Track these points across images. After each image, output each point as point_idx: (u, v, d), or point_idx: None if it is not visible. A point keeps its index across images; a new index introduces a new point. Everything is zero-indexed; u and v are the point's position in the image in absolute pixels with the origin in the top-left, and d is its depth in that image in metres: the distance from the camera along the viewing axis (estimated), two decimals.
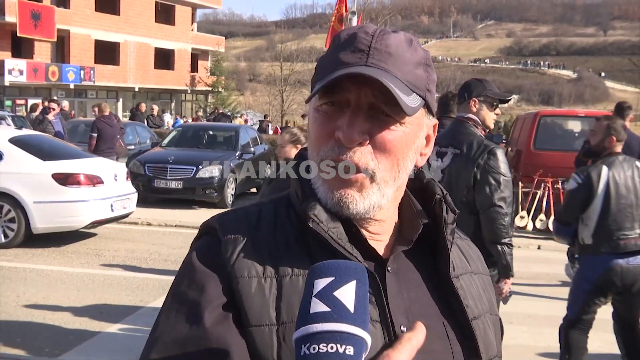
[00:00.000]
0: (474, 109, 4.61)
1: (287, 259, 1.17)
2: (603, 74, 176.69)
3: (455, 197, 4.22)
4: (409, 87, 1.18)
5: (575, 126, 14.53)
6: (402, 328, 1.16)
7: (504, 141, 15.31)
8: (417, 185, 1.34)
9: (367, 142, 1.17)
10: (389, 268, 1.21)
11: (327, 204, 1.20)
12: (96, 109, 14.87)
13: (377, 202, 1.20)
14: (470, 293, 1.30)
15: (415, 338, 1.01)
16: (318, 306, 0.92)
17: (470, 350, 1.24)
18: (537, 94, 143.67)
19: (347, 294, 0.93)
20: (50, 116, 14.88)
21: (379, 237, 1.26)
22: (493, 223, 4.33)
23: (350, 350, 0.90)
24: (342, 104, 1.18)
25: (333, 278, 0.94)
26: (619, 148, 5.23)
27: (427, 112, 1.26)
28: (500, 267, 4.39)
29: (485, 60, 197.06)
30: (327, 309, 0.91)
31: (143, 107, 25.72)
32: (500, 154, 4.43)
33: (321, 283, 0.94)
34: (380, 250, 1.24)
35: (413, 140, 1.23)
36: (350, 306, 0.92)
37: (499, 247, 4.35)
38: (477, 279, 1.37)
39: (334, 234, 1.17)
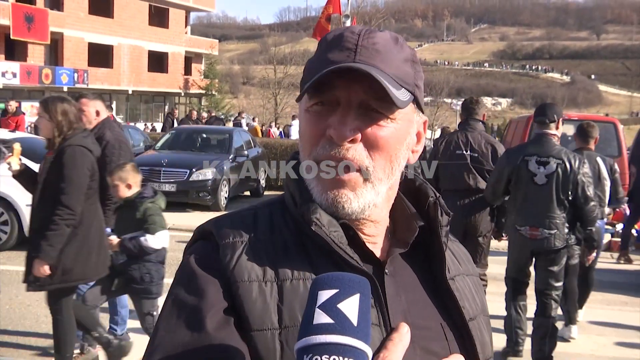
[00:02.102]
0: (559, 127, 5.91)
1: (287, 263, 1.17)
2: (593, 77, 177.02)
3: (561, 196, 5.75)
4: (398, 82, 1.18)
5: (568, 130, 14.50)
6: None
7: None
8: (409, 187, 1.35)
9: (359, 139, 1.17)
10: (386, 271, 1.21)
11: (322, 205, 1.20)
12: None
13: (372, 200, 1.21)
14: (465, 294, 1.31)
15: (404, 337, 1.00)
16: (321, 317, 0.92)
17: (468, 351, 1.24)
18: (530, 98, 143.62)
19: (350, 307, 0.93)
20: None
21: (375, 240, 1.26)
22: (590, 214, 5.78)
23: None
24: (333, 103, 1.18)
25: (337, 290, 0.94)
26: (589, 144, 7.03)
27: (416, 109, 1.27)
28: (590, 242, 6.27)
29: (485, 64, 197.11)
30: (331, 321, 0.91)
31: (195, 114, 25.19)
32: (587, 163, 5.90)
33: (325, 294, 0.94)
34: (377, 253, 1.24)
35: (404, 136, 1.23)
36: (354, 319, 0.92)
37: (593, 229, 6.00)
38: (469, 280, 1.37)
39: (335, 237, 1.17)
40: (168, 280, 1.81)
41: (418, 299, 1.24)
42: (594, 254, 6.56)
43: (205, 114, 26.18)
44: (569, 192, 5.71)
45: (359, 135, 1.17)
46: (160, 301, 4.79)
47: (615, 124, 13.89)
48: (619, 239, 12.14)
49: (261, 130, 28.34)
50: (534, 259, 6.01)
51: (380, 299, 1.17)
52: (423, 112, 1.30)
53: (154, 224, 5.16)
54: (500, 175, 6.06)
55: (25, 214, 9.84)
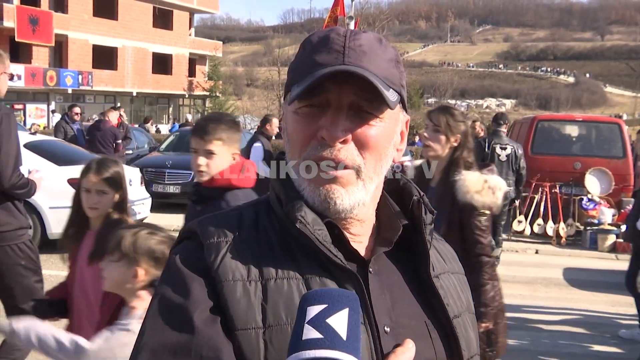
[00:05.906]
0: (506, 127, 10.42)
1: (271, 262, 1.18)
2: (588, 75, 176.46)
3: (513, 167, 10.26)
4: (386, 82, 1.20)
5: (572, 131, 14.53)
6: (385, 328, 1.17)
7: None
8: (393, 187, 1.36)
9: (350, 139, 1.19)
10: (370, 269, 1.22)
11: (315, 202, 1.21)
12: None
13: (362, 198, 1.22)
14: (449, 292, 1.32)
15: (408, 352, 1.02)
16: (310, 333, 0.93)
17: (452, 349, 1.26)
18: (534, 99, 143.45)
19: (339, 321, 0.94)
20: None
21: (360, 239, 1.27)
22: (523, 177, 10.55)
23: None
24: (322, 105, 1.20)
25: (326, 305, 0.95)
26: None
27: (401, 108, 1.28)
28: (519, 192, 11.07)
29: (500, 66, 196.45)
30: (320, 336, 0.92)
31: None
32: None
33: (314, 310, 0.95)
34: (362, 252, 1.25)
35: (392, 135, 1.25)
36: (343, 334, 0.93)
37: (521, 187, 10.86)
38: (454, 278, 1.39)
39: (319, 235, 1.17)
40: None
41: (402, 297, 1.25)
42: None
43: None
44: (517, 165, 10.18)
45: (349, 136, 1.19)
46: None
47: (620, 125, 13.87)
48: (623, 240, 12.08)
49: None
50: None
51: (364, 298, 1.17)
52: (407, 112, 1.32)
53: None
54: (476, 158, 9.45)
55: (49, 217, 9.87)
